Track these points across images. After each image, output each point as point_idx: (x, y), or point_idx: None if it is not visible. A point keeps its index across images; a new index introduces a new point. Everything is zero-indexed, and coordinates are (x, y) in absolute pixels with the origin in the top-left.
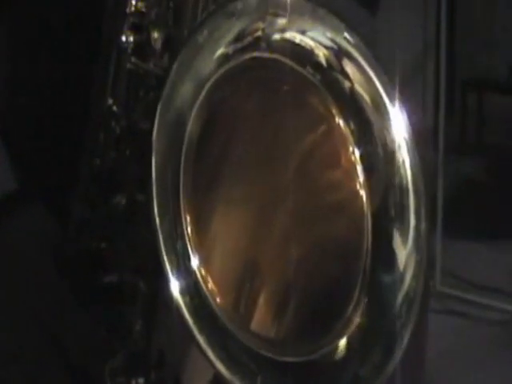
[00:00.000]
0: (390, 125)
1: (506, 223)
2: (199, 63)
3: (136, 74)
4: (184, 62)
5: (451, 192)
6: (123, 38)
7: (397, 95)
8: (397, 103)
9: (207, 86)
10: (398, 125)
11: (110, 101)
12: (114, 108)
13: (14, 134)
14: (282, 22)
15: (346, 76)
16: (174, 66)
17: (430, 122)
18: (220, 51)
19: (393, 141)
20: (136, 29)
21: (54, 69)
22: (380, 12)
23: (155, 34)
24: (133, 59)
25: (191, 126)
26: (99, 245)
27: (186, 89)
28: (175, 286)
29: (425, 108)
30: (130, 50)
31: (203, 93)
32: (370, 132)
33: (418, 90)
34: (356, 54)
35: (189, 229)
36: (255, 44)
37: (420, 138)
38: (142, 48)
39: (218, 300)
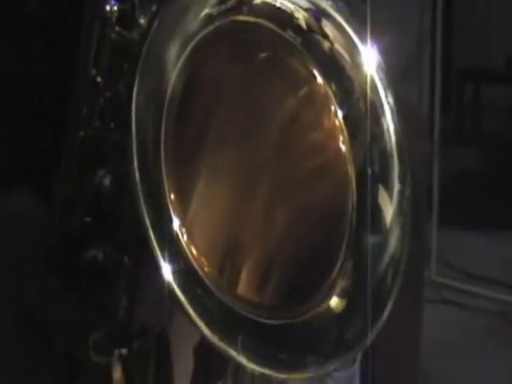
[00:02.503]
0: (370, 81)
1: (502, 213)
2: (182, 23)
3: (120, 44)
4: (165, 22)
5: (447, 182)
6: (107, 7)
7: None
8: (375, 57)
9: (189, 47)
10: (380, 84)
11: (94, 71)
12: (98, 79)
13: None
14: None
15: (326, 37)
16: (155, 24)
17: (426, 112)
18: (205, 12)
19: (374, 100)
20: None
21: (35, 40)
22: (376, 1)
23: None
24: (117, 28)
25: (172, 88)
26: (83, 220)
27: (167, 48)
28: (163, 263)
29: (421, 98)
30: (114, 20)
31: (185, 55)
32: (351, 91)
33: (414, 79)
34: (334, 13)
35: (172, 201)
36: (238, 7)
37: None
38: (127, 17)
39: (204, 267)
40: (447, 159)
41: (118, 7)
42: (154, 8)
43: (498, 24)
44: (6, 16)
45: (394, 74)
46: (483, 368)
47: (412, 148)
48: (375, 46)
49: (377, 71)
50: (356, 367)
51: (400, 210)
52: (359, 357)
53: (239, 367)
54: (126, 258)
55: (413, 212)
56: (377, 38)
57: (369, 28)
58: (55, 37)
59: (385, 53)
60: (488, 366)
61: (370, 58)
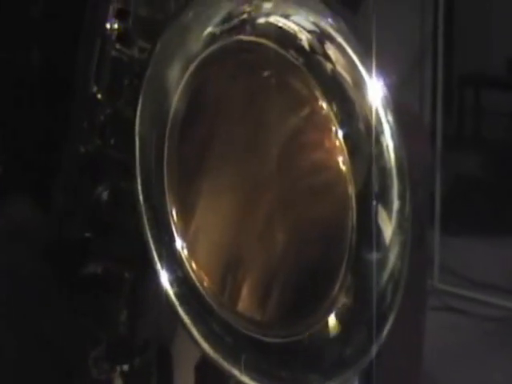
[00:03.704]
0: (371, 104)
1: (505, 219)
2: (185, 44)
3: (120, 62)
4: (168, 43)
5: (449, 188)
6: (108, 25)
7: (378, 74)
8: (377, 82)
9: (192, 66)
10: (380, 104)
11: (95, 88)
12: (99, 96)
13: None
14: (267, 6)
15: (328, 58)
16: (157, 46)
17: (427, 118)
18: (208, 31)
19: (375, 120)
20: (120, 15)
21: (38, 56)
22: (378, 7)
23: (140, 21)
24: (117, 46)
25: (175, 107)
26: (83, 234)
27: (170, 69)
28: (164, 276)
29: (422, 103)
30: (114, 37)
31: (188, 73)
32: (352, 111)
33: (416, 85)
34: (338, 37)
35: (174, 217)
36: (241, 26)
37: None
38: (127, 35)
39: (205, 284)
40: (449, 165)
41: (118, 25)
42: (151, 25)
43: (499, 29)
44: (9, 31)
45: (396, 93)
46: (486, 374)
47: (413, 155)
48: (379, 73)
49: (379, 96)
50: None
51: (399, 228)
52: None
53: None
54: (126, 273)
55: (414, 223)
56: (381, 63)
57: (374, 57)
58: (58, 50)
59: (388, 75)
60: (491, 372)
61: (373, 85)
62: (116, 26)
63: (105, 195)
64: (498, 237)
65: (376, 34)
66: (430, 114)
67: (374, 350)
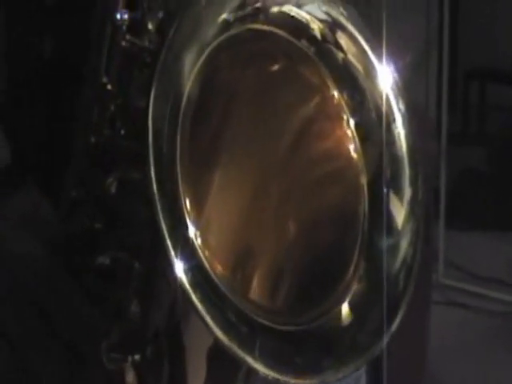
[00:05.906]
0: (382, 91)
1: (510, 214)
2: (199, 29)
3: (131, 52)
4: (182, 28)
5: (454, 183)
6: (118, 16)
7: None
8: (388, 70)
9: (205, 53)
10: (392, 92)
11: (105, 79)
12: (109, 86)
13: (7, 111)
14: None
15: (340, 48)
16: (171, 31)
17: (432, 113)
18: (222, 17)
19: (386, 108)
20: (131, 5)
21: (47, 47)
22: (382, 3)
23: (151, 11)
24: (128, 37)
25: (188, 95)
26: (93, 225)
27: (184, 55)
28: (178, 264)
29: (427, 98)
30: (124, 28)
31: (201, 60)
32: (363, 100)
33: (421, 80)
34: (349, 26)
35: (187, 205)
36: (254, 15)
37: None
38: (137, 25)
39: (218, 272)
40: (454, 160)
41: (128, 15)
42: (161, 15)
43: (504, 24)
44: (21, 21)
45: (407, 82)
46: (490, 369)
47: (420, 150)
48: (389, 59)
49: (390, 83)
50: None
51: (412, 214)
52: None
53: (250, 371)
54: (136, 263)
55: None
56: (391, 50)
57: (384, 43)
58: (70, 40)
59: (398, 62)
60: (495, 367)
61: (383, 71)
62: (126, 16)
63: (115, 185)
64: (502, 232)
65: (388, 40)
66: (435, 109)
67: (385, 338)
